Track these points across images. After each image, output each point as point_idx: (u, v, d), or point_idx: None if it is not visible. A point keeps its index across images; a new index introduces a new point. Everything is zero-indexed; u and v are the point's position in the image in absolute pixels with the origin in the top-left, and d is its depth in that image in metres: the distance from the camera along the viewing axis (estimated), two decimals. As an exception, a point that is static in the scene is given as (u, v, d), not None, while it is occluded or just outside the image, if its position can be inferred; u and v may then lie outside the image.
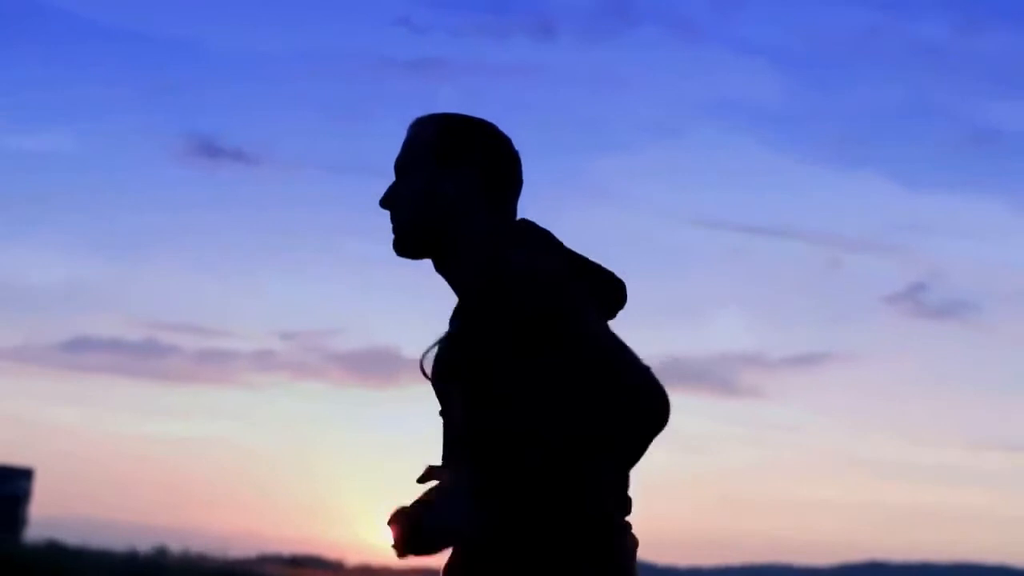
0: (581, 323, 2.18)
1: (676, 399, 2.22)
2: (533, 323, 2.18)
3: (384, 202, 2.41)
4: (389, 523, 2.22)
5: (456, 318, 2.34)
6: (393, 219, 2.40)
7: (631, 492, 2.29)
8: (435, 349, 2.36)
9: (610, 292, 2.34)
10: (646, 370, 2.15)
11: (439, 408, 2.36)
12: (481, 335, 2.23)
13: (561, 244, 2.34)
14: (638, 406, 2.11)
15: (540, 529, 2.17)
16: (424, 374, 2.37)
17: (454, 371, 2.28)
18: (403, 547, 2.21)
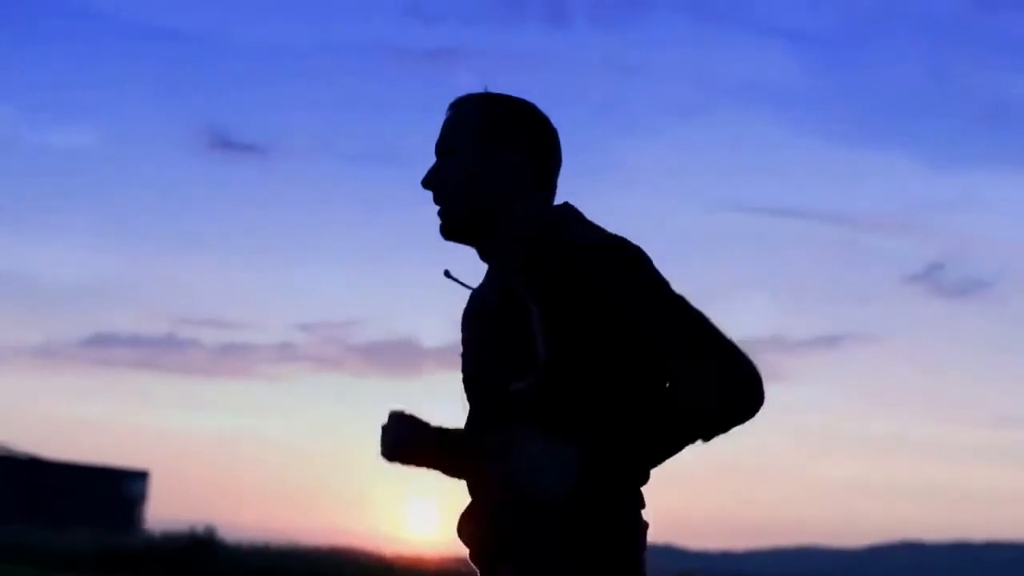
0: (669, 294, 2.19)
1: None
2: (621, 293, 2.17)
3: (427, 183, 2.36)
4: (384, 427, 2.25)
5: (497, 284, 2.31)
6: (438, 201, 2.36)
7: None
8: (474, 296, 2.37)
9: None
10: (739, 352, 2.17)
11: (465, 366, 2.35)
12: (559, 298, 2.20)
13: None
14: (729, 392, 2.15)
15: (604, 492, 2.17)
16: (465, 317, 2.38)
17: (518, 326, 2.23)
18: (390, 453, 2.25)
